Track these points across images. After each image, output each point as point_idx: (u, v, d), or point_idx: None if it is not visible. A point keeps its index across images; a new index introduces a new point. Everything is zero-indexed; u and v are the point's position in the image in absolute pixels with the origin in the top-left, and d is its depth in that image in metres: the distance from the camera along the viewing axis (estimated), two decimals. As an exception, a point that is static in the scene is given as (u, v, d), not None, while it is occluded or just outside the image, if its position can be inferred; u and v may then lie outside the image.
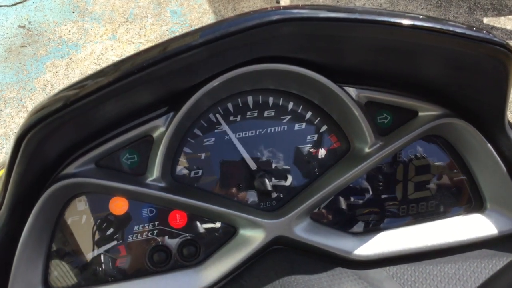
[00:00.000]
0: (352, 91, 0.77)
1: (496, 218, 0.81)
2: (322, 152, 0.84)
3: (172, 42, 0.56)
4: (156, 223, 0.79)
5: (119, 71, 0.55)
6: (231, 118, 0.81)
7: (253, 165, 0.81)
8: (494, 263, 0.75)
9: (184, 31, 3.01)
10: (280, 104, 0.82)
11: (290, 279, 0.70)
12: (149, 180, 0.75)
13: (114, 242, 0.78)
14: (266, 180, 0.81)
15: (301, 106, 0.83)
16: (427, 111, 0.81)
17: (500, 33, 2.95)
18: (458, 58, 0.68)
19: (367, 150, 0.80)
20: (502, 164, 0.79)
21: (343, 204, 0.84)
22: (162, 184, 0.76)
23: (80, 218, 0.77)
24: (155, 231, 0.79)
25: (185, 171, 0.81)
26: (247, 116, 0.81)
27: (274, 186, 0.82)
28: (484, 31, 0.63)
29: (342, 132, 0.84)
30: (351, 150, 0.84)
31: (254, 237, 0.77)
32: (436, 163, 0.86)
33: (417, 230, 0.82)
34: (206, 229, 0.80)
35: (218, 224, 0.80)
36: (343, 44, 0.67)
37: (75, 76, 2.75)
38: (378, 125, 0.81)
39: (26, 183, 0.65)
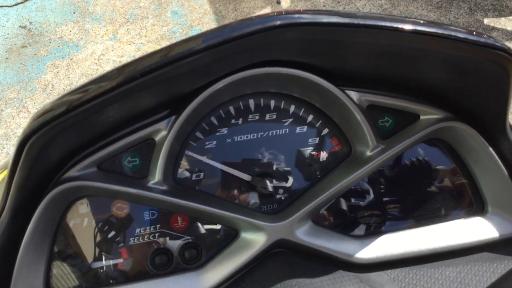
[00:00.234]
0: (353, 94, 0.77)
1: (497, 221, 0.81)
2: (323, 155, 0.84)
3: (175, 47, 0.56)
4: (158, 226, 0.79)
5: (122, 76, 0.55)
6: (233, 121, 0.81)
7: (247, 177, 0.81)
8: (495, 266, 0.75)
9: (185, 31, 3.02)
10: (282, 107, 0.82)
11: (292, 282, 0.71)
12: (150, 183, 0.75)
13: (116, 245, 0.78)
14: (268, 182, 0.81)
15: (303, 109, 0.83)
16: (428, 115, 0.81)
17: (500, 34, 2.95)
18: (459, 63, 0.68)
19: (368, 153, 0.80)
20: (503, 167, 0.79)
21: (344, 207, 0.84)
22: (164, 187, 0.76)
23: (82, 221, 0.77)
24: (156, 234, 0.79)
25: (187, 174, 0.81)
26: (249, 119, 0.82)
27: (275, 189, 0.82)
28: (485, 35, 0.63)
29: (343, 135, 0.84)
30: (352, 153, 0.84)
31: (255, 240, 0.77)
32: (438, 167, 0.86)
33: (419, 233, 0.82)
34: (207, 232, 0.80)
35: (219, 227, 0.80)
36: (345, 49, 0.67)
37: (76, 76, 2.75)
38: (379, 128, 0.81)
39: (28, 186, 0.65)
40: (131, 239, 0.79)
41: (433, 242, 0.80)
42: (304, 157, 0.84)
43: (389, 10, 3.14)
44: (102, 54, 2.87)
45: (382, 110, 0.81)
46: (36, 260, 0.72)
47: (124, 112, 0.69)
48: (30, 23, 3.08)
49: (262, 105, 0.82)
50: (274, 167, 0.83)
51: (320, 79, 0.74)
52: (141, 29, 3.03)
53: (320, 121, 0.83)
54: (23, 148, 0.58)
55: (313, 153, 0.84)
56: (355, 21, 0.59)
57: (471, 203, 0.86)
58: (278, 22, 0.56)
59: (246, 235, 0.79)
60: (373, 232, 0.84)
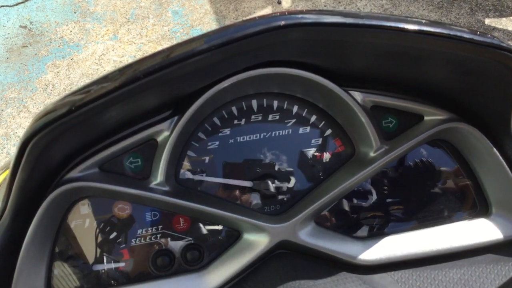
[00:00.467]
0: (357, 95, 0.77)
1: (501, 222, 0.81)
2: (326, 156, 0.84)
3: (178, 47, 0.56)
4: (160, 227, 0.79)
5: (125, 77, 0.55)
6: (236, 121, 0.81)
7: (248, 184, 0.81)
8: (499, 268, 0.74)
9: (186, 31, 3.01)
10: (285, 107, 0.82)
11: (294, 283, 0.70)
12: (153, 184, 0.75)
13: (117, 246, 0.78)
14: (270, 183, 0.81)
15: (306, 110, 0.82)
16: (432, 116, 0.80)
17: (502, 34, 2.95)
18: (464, 63, 0.67)
19: (372, 154, 0.80)
20: (507, 168, 0.78)
21: (347, 208, 0.84)
22: (166, 188, 0.75)
23: (83, 222, 0.77)
24: (158, 235, 0.79)
25: (189, 175, 0.80)
26: (252, 120, 0.81)
27: (277, 190, 0.82)
28: (489, 35, 0.62)
29: (347, 136, 0.83)
30: (356, 154, 0.84)
31: (258, 241, 0.77)
32: (441, 168, 0.86)
33: (422, 235, 0.81)
34: (210, 233, 0.80)
35: (221, 228, 0.80)
36: (349, 49, 0.67)
37: (76, 76, 2.75)
38: (383, 129, 0.81)
39: (30, 187, 0.64)
40: (132, 240, 0.78)
41: (437, 243, 0.79)
42: (307, 158, 0.83)
43: (390, 10, 3.14)
44: (103, 54, 2.87)
45: (386, 111, 0.81)
46: (37, 261, 0.71)
47: (127, 113, 0.68)
48: (31, 23, 3.08)
49: (265, 105, 0.81)
50: (277, 168, 0.83)
51: (324, 80, 0.73)
52: (141, 29, 3.03)
53: (323, 122, 0.83)
54: (25, 149, 0.57)
55: (316, 154, 0.84)
56: (359, 21, 0.58)
57: (475, 204, 0.85)
58: (282, 23, 0.56)
59: (248, 236, 0.79)
60: (376, 233, 0.84)
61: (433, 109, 0.80)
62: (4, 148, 2.41)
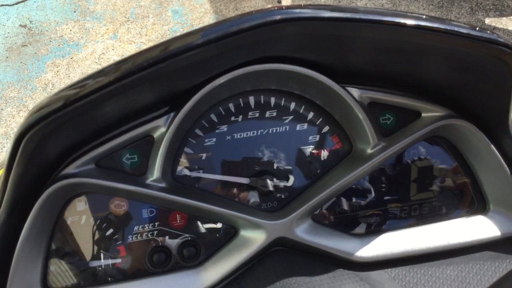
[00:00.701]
0: (354, 91, 0.77)
1: (499, 220, 0.81)
2: (324, 153, 0.84)
3: (174, 42, 0.55)
4: (156, 223, 0.79)
5: (120, 71, 0.55)
6: (233, 118, 0.80)
7: (245, 181, 0.81)
8: (497, 265, 0.74)
9: (186, 30, 3.00)
10: (282, 104, 0.82)
11: (291, 280, 0.70)
12: (149, 181, 0.75)
13: (114, 243, 0.77)
14: (268, 181, 0.81)
15: (303, 107, 0.82)
16: (430, 112, 0.80)
17: (502, 34, 2.94)
18: (462, 59, 0.67)
19: (369, 151, 0.80)
20: (505, 165, 0.78)
21: (345, 205, 0.83)
22: (163, 185, 0.75)
23: (79, 218, 0.76)
24: (155, 232, 0.79)
25: (186, 172, 0.80)
26: (249, 116, 0.81)
27: (275, 187, 0.82)
28: (488, 31, 0.62)
29: (344, 133, 0.83)
30: (353, 151, 0.83)
31: (255, 238, 0.77)
32: (439, 165, 0.85)
33: (420, 232, 0.81)
34: (206, 229, 0.80)
35: (218, 225, 0.80)
36: (346, 44, 0.66)
37: (76, 75, 2.75)
38: (381, 126, 0.81)
39: (25, 183, 0.64)
40: (129, 237, 0.78)
41: (434, 240, 0.79)
42: (304, 155, 0.83)
43: (390, 10, 3.13)
44: (103, 53, 2.87)
45: (384, 107, 0.81)
46: (33, 257, 0.71)
47: (123, 109, 0.68)
48: (31, 22, 3.08)
49: (262, 102, 0.81)
50: (274, 165, 0.82)
51: (321, 76, 0.73)
52: (141, 28, 3.02)
53: (321, 119, 0.83)
54: (19, 144, 0.57)
55: (314, 150, 0.83)
56: (357, 15, 0.58)
57: (473, 201, 0.85)
58: (279, 17, 0.56)
59: (245, 233, 0.78)
60: (374, 230, 0.83)
61: (431, 105, 0.79)
62: (4, 147, 2.41)
